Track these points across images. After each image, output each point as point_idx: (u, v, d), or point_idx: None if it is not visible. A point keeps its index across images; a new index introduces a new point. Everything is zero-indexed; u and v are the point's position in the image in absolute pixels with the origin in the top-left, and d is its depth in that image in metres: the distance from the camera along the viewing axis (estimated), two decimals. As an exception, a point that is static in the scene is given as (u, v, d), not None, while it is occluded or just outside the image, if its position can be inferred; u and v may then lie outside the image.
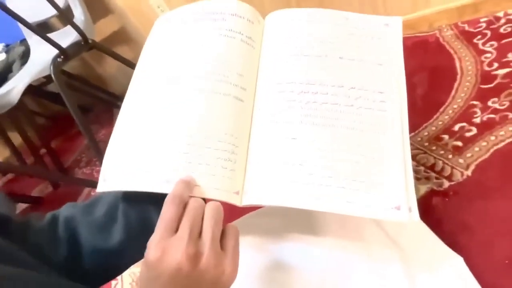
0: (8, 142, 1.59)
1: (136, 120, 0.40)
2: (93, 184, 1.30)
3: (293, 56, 0.41)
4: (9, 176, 1.74)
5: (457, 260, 0.51)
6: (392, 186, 0.35)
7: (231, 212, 0.41)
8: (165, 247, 0.29)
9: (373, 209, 0.35)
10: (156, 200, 0.40)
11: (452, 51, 0.92)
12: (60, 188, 1.46)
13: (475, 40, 0.91)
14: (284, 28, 0.44)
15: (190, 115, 0.37)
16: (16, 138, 1.60)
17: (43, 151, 1.52)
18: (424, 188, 0.67)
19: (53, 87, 1.66)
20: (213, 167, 0.36)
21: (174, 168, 0.35)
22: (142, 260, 0.31)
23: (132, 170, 0.37)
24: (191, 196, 0.33)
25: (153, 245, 0.29)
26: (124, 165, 0.38)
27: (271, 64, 0.42)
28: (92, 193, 1.31)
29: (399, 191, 0.35)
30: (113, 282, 0.87)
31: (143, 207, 0.41)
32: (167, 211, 0.31)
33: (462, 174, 0.66)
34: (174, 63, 0.41)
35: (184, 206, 0.32)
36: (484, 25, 0.93)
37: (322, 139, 0.37)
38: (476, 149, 0.69)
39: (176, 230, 0.30)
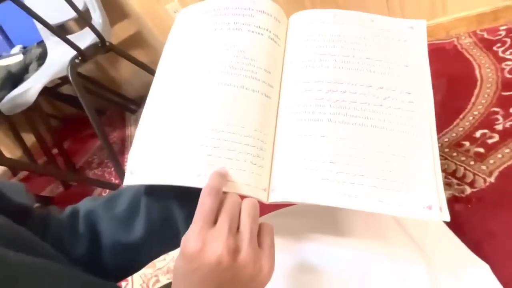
0: (21, 143, 1.60)
1: (164, 113, 0.39)
2: (105, 184, 1.31)
3: (319, 55, 0.42)
4: (20, 175, 1.76)
5: (484, 268, 0.50)
6: (423, 186, 0.35)
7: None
8: (205, 238, 0.28)
9: (405, 208, 0.35)
10: (178, 195, 0.39)
11: (471, 58, 0.91)
12: (71, 188, 1.46)
13: (494, 48, 0.90)
14: (310, 28, 0.44)
15: (219, 110, 0.37)
16: (28, 139, 1.62)
17: (55, 152, 1.53)
18: (445, 195, 0.66)
19: (67, 89, 1.69)
20: (243, 162, 0.35)
21: (205, 162, 0.35)
22: (175, 253, 0.30)
23: (161, 164, 0.36)
24: (224, 192, 0.33)
25: (193, 236, 0.28)
26: (153, 158, 0.37)
27: (297, 62, 0.42)
28: (103, 194, 1.31)
29: (430, 190, 0.35)
30: (123, 283, 0.86)
31: (165, 202, 0.40)
32: (205, 203, 0.30)
33: (485, 181, 0.65)
34: (201, 57, 0.41)
35: (220, 199, 0.31)
36: (503, 33, 0.92)
37: (352, 138, 0.37)
38: (499, 155, 0.67)
39: (214, 223, 0.29)
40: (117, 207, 0.42)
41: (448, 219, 0.34)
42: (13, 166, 1.67)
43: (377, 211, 0.34)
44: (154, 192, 0.40)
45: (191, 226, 0.29)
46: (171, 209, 0.40)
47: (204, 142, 0.35)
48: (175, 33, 0.45)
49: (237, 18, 0.42)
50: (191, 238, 0.28)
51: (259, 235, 0.31)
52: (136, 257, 0.43)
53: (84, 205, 0.43)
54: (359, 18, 0.44)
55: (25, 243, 0.33)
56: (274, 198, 0.36)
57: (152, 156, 0.37)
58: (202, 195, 0.31)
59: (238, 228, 0.30)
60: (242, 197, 0.33)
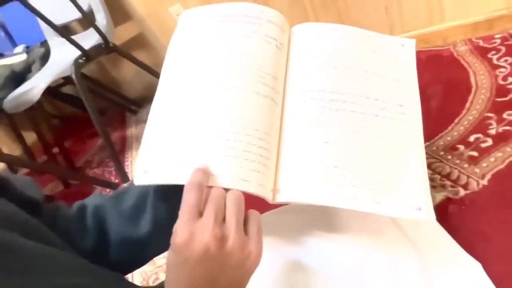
0: (21, 141, 1.61)
1: (176, 113, 0.40)
2: (105, 183, 1.32)
3: (323, 66, 0.44)
4: (20, 174, 1.76)
5: (476, 266, 0.52)
6: (413, 189, 0.39)
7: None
8: (192, 229, 0.29)
9: (398, 209, 0.38)
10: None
11: (466, 65, 0.94)
12: (70, 187, 1.47)
13: (489, 55, 0.92)
14: (313, 40, 0.47)
15: (234, 112, 0.38)
16: (28, 137, 1.62)
17: (55, 151, 1.53)
18: (440, 196, 0.68)
19: (68, 89, 1.70)
20: (257, 163, 0.37)
21: (221, 163, 0.36)
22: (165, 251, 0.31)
23: (177, 163, 0.37)
24: (210, 186, 0.34)
25: (180, 228, 0.29)
26: (168, 158, 0.37)
27: (301, 72, 0.45)
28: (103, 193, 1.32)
29: (420, 194, 0.39)
30: (123, 280, 0.87)
31: (172, 200, 0.41)
32: (189, 197, 0.31)
33: (478, 183, 0.67)
34: (213, 59, 0.42)
35: (204, 193, 0.32)
36: (498, 41, 0.95)
37: (352, 144, 0.40)
38: (492, 159, 0.70)
39: (200, 216, 0.31)
40: (124, 204, 0.43)
41: (434, 218, 0.38)
42: (13, 163, 1.67)
43: (373, 211, 0.37)
44: (162, 190, 0.41)
45: (178, 220, 0.30)
46: (178, 207, 0.41)
47: (221, 143, 0.37)
48: (181, 34, 0.46)
49: (247, 25, 0.44)
50: (178, 230, 0.30)
51: (246, 223, 0.32)
52: (142, 252, 0.44)
53: (92, 200, 0.45)
54: (357, 33, 0.48)
55: (37, 232, 0.34)
56: (280, 198, 0.38)
57: (168, 156, 0.38)
58: (185, 191, 0.32)
59: (224, 218, 0.31)
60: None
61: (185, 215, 0.30)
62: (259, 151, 0.37)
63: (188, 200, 0.31)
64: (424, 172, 0.40)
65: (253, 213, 0.34)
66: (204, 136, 0.38)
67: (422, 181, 0.39)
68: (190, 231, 0.29)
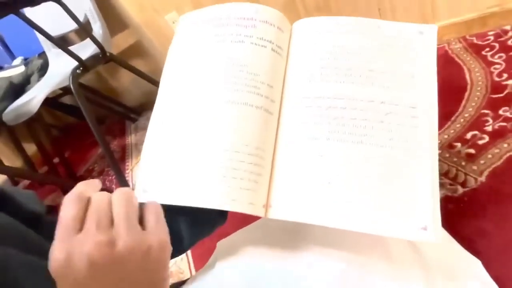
0: (22, 152, 1.62)
1: (173, 131, 0.39)
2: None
3: (321, 68, 0.40)
4: (21, 185, 1.76)
5: (476, 263, 0.52)
6: (420, 207, 0.34)
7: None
8: (68, 247, 0.26)
9: (401, 229, 0.34)
10: (185, 211, 0.40)
11: (461, 63, 0.94)
12: (72, 197, 1.47)
13: (483, 52, 0.93)
14: (312, 38, 0.42)
15: (223, 129, 0.37)
16: (28, 148, 1.63)
17: (55, 161, 1.54)
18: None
19: (67, 99, 1.71)
20: (247, 181, 0.35)
21: (212, 182, 0.35)
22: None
23: (177, 184, 0.36)
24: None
25: (54, 250, 0.26)
26: (167, 178, 0.37)
27: (299, 76, 0.41)
28: (105, 202, 1.32)
29: (427, 212, 0.34)
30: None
31: (171, 217, 0.41)
32: (64, 212, 0.27)
33: (476, 181, 0.67)
34: (206, 71, 0.40)
35: (85, 204, 0.28)
36: (492, 38, 0.95)
37: (350, 157, 0.36)
38: (489, 156, 0.70)
39: (82, 228, 0.27)
40: None
41: (441, 239, 0.33)
42: (14, 175, 1.68)
43: (372, 232, 0.34)
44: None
45: (53, 242, 0.26)
46: (174, 216, 0.40)
47: (212, 162, 0.36)
48: (177, 43, 0.45)
49: (240, 29, 0.41)
50: (52, 252, 0.26)
51: (142, 217, 0.30)
52: None
53: None
54: (365, 25, 0.41)
55: (37, 246, 0.34)
56: (272, 214, 0.36)
57: (165, 176, 0.37)
58: (62, 205, 0.28)
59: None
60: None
61: (60, 233, 0.26)
62: (249, 167, 0.36)
63: (63, 215, 0.27)
64: (435, 185, 0.35)
65: (149, 205, 0.31)
66: (203, 156, 0.36)
67: (431, 196, 0.34)
68: (66, 249, 0.25)
